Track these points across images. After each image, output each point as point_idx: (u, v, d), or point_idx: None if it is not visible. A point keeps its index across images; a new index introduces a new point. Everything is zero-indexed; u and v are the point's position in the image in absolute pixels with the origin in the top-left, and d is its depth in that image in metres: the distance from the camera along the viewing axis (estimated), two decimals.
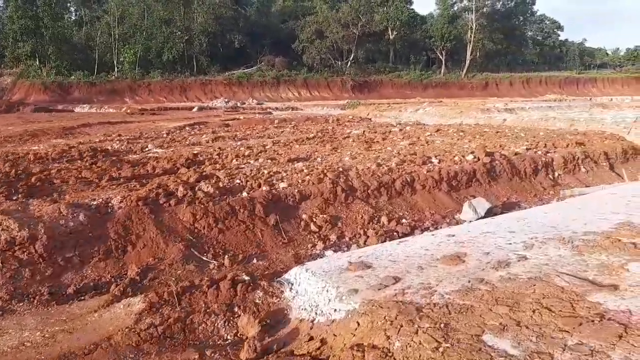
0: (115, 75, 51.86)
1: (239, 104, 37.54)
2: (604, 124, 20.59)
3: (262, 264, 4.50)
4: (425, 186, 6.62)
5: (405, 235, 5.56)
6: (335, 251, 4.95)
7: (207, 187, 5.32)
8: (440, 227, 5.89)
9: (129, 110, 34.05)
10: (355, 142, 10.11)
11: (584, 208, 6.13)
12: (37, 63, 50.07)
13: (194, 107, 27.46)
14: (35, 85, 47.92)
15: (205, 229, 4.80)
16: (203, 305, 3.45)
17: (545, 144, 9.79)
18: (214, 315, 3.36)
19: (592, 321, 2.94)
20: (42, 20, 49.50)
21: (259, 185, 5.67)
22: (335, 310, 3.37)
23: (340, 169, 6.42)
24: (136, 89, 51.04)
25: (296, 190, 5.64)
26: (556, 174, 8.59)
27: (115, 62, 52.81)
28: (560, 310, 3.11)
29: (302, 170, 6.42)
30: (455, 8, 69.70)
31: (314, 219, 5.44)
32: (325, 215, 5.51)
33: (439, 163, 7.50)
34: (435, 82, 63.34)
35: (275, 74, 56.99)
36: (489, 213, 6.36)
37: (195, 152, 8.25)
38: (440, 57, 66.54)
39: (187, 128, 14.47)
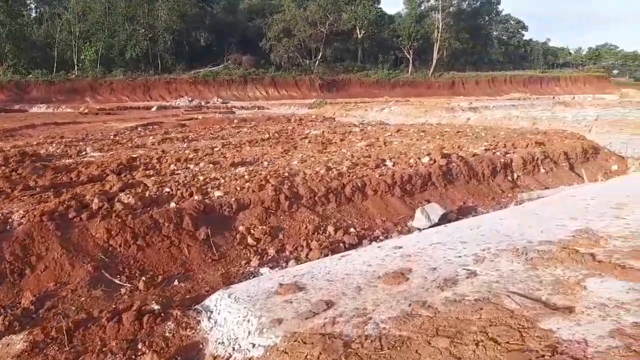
0: (76, 74, 50.11)
1: (203, 103, 36.68)
2: (566, 123, 20.72)
3: (184, 286, 3.98)
4: (377, 191, 6.21)
5: (352, 246, 5.13)
6: (272, 267, 4.48)
7: (129, 197, 4.76)
8: (391, 236, 5.48)
9: (86, 110, 32.80)
10: (312, 143, 9.65)
11: (542, 213, 5.82)
12: None
13: (153, 107, 26.54)
14: None
15: (122, 246, 4.24)
16: (99, 342, 2.93)
17: (505, 144, 9.54)
18: (110, 355, 2.84)
19: (543, 356, 2.54)
20: None
21: (191, 195, 5.14)
22: (253, 345, 2.89)
23: (286, 174, 5.93)
24: (97, 88, 49.48)
25: (233, 199, 5.14)
26: (515, 176, 8.31)
27: (75, 61, 51.02)
28: (508, 342, 2.70)
29: (244, 176, 5.91)
30: (423, 7, 70.12)
31: (252, 231, 4.95)
32: (265, 227, 5.03)
33: (393, 166, 7.11)
34: (402, 81, 63.53)
35: (242, 73, 56.15)
36: (443, 219, 5.99)
37: (134, 155, 7.64)
38: (408, 56, 66.81)
39: (139, 129, 13.76)
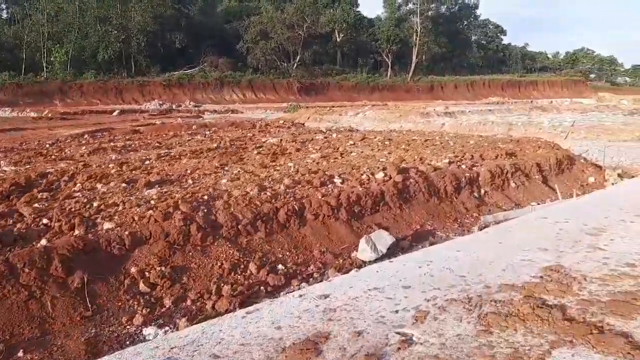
0: (45, 76, 48.42)
1: (174, 107, 35.51)
2: (542, 129, 20.14)
3: (29, 358, 3.02)
4: (319, 215, 5.30)
5: (277, 288, 4.21)
6: (162, 325, 3.54)
7: None
8: (326, 274, 4.57)
9: (50, 115, 31.49)
10: (262, 154, 8.72)
11: (506, 241, 4.97)
12: None
13: (115, 111, 25.34)
14: None
15: None
16: None
17: (473, 155, 8.72)
18: None
19: None
20: None
21: (72, 227, 4.18)
22: None
23: (206, 197, 4.99)
24: (67, 90, 47.88)
25: (127, 233, 4.18)
26: (482, 191, 7.49)
27: (44, 63, 49.34)
28: None
29: (150, 200, 4.96)
30: (401, 11, 69.77)
31: (147, 274, 3.99)
32: (165, 268, 4.07)
33: (342, 183, 6.21)
34: (381, 85, 63.02)
35: (218, 75, 54.98)
36: (394, 248, 5.11)
37: (48, 171, 6.63)
38: (387, 60, 66.29)
39: (85, 136, 12.69)
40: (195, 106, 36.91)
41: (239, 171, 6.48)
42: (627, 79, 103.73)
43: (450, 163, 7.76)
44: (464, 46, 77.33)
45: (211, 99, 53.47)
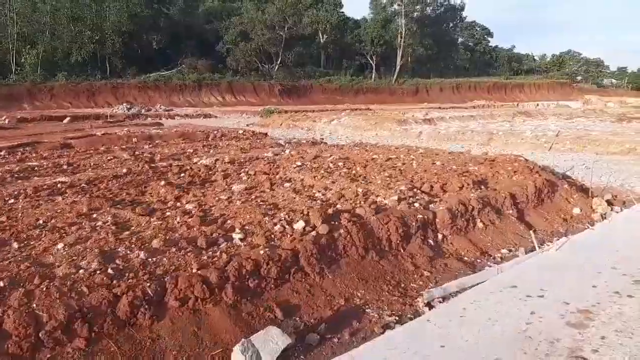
0: (13, 79, 46.39)
1: (143, 111, 33.71)
2: (524, 139, 18.74)
3: None
4: (188, 300, 3.71)
5: None
6: None
7: None
8: None
9: (7, 120, 29.61)
10: (172, 186, 7.08)
11: (448, 340, 3.43)
12: None
13: (66, 118, 23.60)
14: None
15: None
16: None
17: (432, 186, 7.18)
18: None
19: None
20: None
21: None
22: None
23: (1, 283, 3.36)
24: (36, 93, 45.89)
25: None
26: (440, 237, 5.95)
27: (13, 64, 47.28)
28: None
29: None
30: (387, 12, 68.39)
31: None
32: None
33: (242, 240, 4.62)
34: (366, 88, 61.65)
35: (196, 77, 53.23)
36: (295, 349, 3.53)
37: None
38: (371, 62, 64.92)
39: (2, 152, 11.01)
40: (167, 110, 35.17)
41: (103, 223, 4.85)
42: (613, 80, 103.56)
43: (400, 200, 6.17)
44: (450, 48, 76.24)
45: (189, 102, 51.75)
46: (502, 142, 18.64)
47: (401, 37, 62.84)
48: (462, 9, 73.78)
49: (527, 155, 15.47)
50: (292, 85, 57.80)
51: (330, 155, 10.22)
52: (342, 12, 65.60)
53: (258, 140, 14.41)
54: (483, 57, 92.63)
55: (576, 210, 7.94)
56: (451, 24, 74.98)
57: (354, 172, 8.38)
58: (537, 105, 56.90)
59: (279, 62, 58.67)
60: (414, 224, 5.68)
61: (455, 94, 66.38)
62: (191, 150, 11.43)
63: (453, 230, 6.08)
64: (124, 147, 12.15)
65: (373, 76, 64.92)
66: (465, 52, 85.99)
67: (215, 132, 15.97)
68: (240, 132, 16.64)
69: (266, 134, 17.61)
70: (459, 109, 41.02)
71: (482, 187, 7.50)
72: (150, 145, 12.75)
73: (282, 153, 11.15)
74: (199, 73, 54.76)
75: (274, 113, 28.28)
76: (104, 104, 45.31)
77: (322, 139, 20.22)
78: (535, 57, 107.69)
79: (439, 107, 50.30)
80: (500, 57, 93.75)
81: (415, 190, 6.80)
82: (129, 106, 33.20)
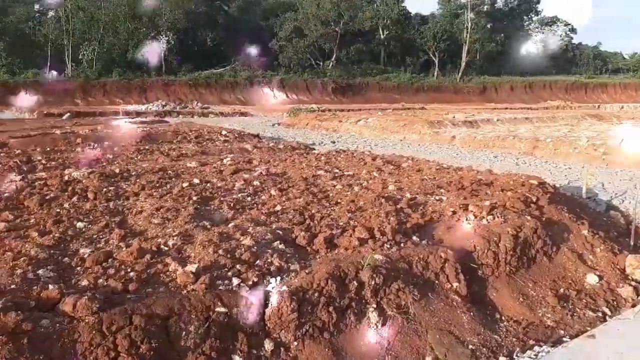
0: (69, 75, 47.32)
1: (178, 108, 32.49)
2: (577, 148, 14.94)
3: None
4: None
5: None
6: None
7: None
8: None
9: (35, 115, 29.48)
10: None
11: None
12: None
13: (65, 115, 22.45)
14: None
15: None
16: None
17: (320, 237, 4.35)
18: None
19: None
20: None
21: None
22: None
23: None
24: (90, 89, 46.50)
25: None
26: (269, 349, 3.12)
27: (69, 60, 48.22)
28: None
29: None
30: (452, 5, 63.83)
31: None
32: None
33: None
34: (427, 86, 57.69)
35: (247, 75, 51.91)
36: None
37: None
38: (434, 58, 60.71)
39: None
40: (203, 107, 33.75)
41: None
42: None
43: (205, 283, 3.45)
44: (524, 44, 69.93)
45: (239, 100, 50.65)
46: (549, 151, 15.01)
47: (467, 32, 58.14)
48: (538, 1, 67.45)
49: (576, 169, 11.98)
50: (347, 83, 55.13)
51: (256, 171, 7.52)
52: (404, 6, 61.76)
53: (226, 144, 11.96)
54: (565, 55, 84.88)
55: (592, 279, 4.80)
56: (525, 18, 68.73)
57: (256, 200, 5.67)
58: (622, 107, 50.45)
59: (333, 59, 56.16)
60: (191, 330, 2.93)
61: (528, 94, 60.72)
62: (111, 156, 9.15)
63: (302, 334, 3.25)
64: (55, 148, 10.12)
65: (435, 74, 60.66)
66: (545, 49, 79.01)
67: (193, 132, 13.70)
68: (224, 132, 14.27)
69: (257, 135, 15.15)
70: (522, 111, 36.42)
71: (417, 235, 4.57)
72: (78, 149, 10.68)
73: (221, 161, 8.60)
74: (250, 70, 53.46)
75: (301, 112, 25.82)
76: (154, 100, 45.04)
77: (334, 142, 17.54)
78: (625, 56, 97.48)
79: (506, 108, 45.88)
80: (584, 55, 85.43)
81: (269, 256, 3.98)
82: (163, 103, 32.09)
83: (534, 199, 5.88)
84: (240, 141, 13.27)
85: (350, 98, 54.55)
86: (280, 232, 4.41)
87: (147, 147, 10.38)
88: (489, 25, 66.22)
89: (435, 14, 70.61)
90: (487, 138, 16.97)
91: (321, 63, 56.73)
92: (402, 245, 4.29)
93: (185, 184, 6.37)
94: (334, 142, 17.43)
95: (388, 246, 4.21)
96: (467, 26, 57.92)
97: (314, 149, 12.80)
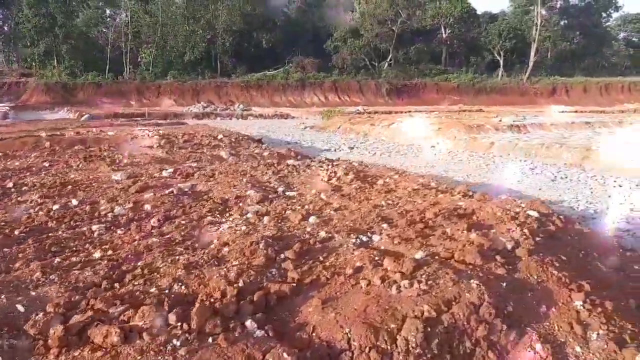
0: (126, 76, 48.53)
1: (219, 110, 31.95)
2: (634, 159, 12.30)
3: None
4: None
5: None
6: None
7: None
8: None
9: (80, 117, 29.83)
10: None
11: None
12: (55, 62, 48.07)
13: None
14: (39, 86, 45.80)
15: None
16: None
17: None
18: None
19: None
20: (56, 18, 47.08)
21: None
22: None
23: None
24: (144, 91, 47.43)
25: None
26: None
27: (126, 62, 49.40)
28: None
29: None
30: (522, 2, 59.69)
31: None
32: None
33: None
34: (490, 87, 54.13)
35: (299, 77, 50.97)
36: None
37: None
38: (498, 58, 56.91)
39: None
40: (244, 109, 32.97)
41: None
42: None
43: None
44: (601, 42, 64.27)
45: (290, 102, 49.90)
46: (601, 162, 12.48)
47: (537, 30, 53.95)
48: None
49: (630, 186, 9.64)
50: (403, 84, 52.82)
51: (170, 187, 6.08)
52: (468, 3, 58.31)
53: (205, 150, 10.63)
54: None
55: None
56: (604, 15, 63.04)
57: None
58: None
59: (389, 59, 54.00)
60: None
61: (604, 96, 55.46)
62: (47, 164, 8.04)
63: None
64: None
65: (500, 74, 56.85)
66: (627, 49, 72.45)
67: (184, 136, 12.53)
68: (220, 137, 13.00)
69: (259, 140, 13.75)
70: (592, 114, 32.71)
71: (277, 309, 2.88)
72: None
73: (160, 172, 7.23)
74: (303, 72, 52.50)
75: (335, 115, 24.21)
76: (206, 102, 45.10)
77: (352, 148, 15.87)
78: None
79: (576, 111, 41.98)
80: None
81: None
82: (205, 105, 31.64)
83: (510, 246, 3.99)
84: (237, 146, 11.94)
85: (405, 100, 52.29)
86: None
87: (105, 154, 9.21)
88: (562, 22, 61.40)
89: (505, 12, 66.69)
90: (529, 145, 14.62)
91: (376, 64, 54.74)
92: (210, 339, 2.65)
93: (56, 206, 5.02)
94: (351, 148, 15.76)
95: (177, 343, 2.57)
96: (536, 23, 53.74)
97: (310, 158, 11.19)
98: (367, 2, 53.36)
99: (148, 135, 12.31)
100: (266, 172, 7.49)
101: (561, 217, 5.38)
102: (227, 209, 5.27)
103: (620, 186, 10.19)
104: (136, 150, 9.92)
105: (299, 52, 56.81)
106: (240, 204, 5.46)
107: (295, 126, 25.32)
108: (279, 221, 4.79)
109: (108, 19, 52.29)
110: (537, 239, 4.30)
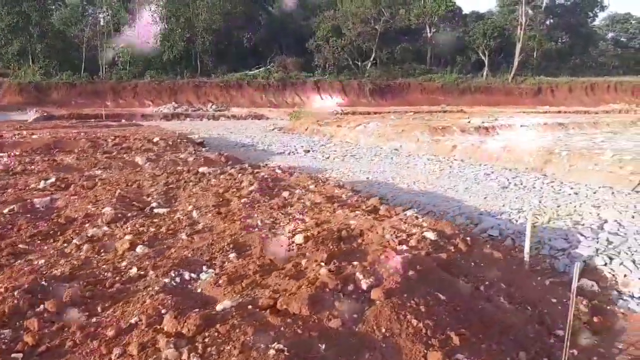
0: (101, 76, 47.33)
1: (191, 110, 30.98)
2: (598, 164, 11.47)
3: None
4: None
5: None
6: None
7: None
8: None
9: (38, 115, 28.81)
10: None
11: None
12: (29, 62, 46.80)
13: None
14: (12, 86, 44.64)
15: None
16: None
17: None
18: None
19: None
20: (30, 16, 45.80)
21: None
22: None
23: None
24: (120, 91, 46.30)
25: None
26: None
27: (102, 61, 48.21)
28: None
29: None
30: (507, 1, 59.07)
31: None
32: None
33: None
34: (474, 87, 53.40)
35: (280, 77, 49.95)
36: None
37: None
38: (483, 57, 56.20)
39: None
40: (218, 110, 32.01)
41: None
42: None
43: None
44: (588, 42, 63.77)
45: (271, 102, 48.96)
46: (564, 167, 11.65)
47: (521, 29, 53.28)
48: None
49: (586, 194, 8.78)
50: (386, 84, 52.00)
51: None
52: (453, 2, 57.49)
53: (125, 156, 9.65)
54: (638, 55, 77.12)
55: None
56: (590, 14, 62.52)
57: None
58: None
59: (372, 58, 53.14)
60: None
61: (589, 96, 54.94)
62: None
63: None
64: None
65: (484, 74, 56.13)
66: (615, 49, 72.07)
67: (114, 139, 11.52)
68: (155, 140, 12.02)
69: (201, 143, 12.81)
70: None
71: None
72: None
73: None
74: (285, 72, 51.52)
75: (302, 116, 23.35)
76: (184, 102, 44.05)
77: (308, 151, 14.98)
78: None
79: (559, 112, 41.44)
80: None
81: None
82: (177, 105, 30.67)
83: (365, 285, 3.08)
84: (170, 150, 10.99)
85: (388, 100, 51.54)
86: None
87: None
88: (548, 22, 60.83)
89: (493, 11, 66.03)
90: (491, 149, 13.76)
91: (359, 63, 53.89)
92: None
93: None
94: (307, 152, 14.86)
95: None
96: (521, 22, 53.07)
97: (242, 163, 10.26)
98: (350, 1, 52.46)
99: (75, 139, 11.33)
100: (157, 183, 6.57)
101: (467, 239, 4.48)
102: (62, 232, 4.37)
103: (577, 194, 9.32)
104: (42, 155, 8.96)
105: (281, 51, 55.90)
106: (87, 224, 4.57)
107: (265, 127, 24.46)
108: (96, 252, 3.89)
109: (90, 18, 50.88)
110: (411, 272, 3.40)
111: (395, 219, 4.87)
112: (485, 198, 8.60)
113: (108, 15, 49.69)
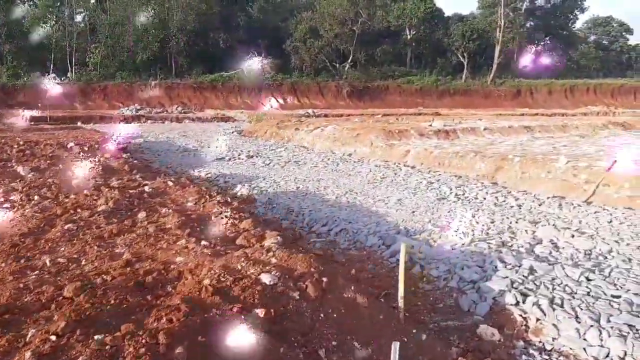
0: (71, 77, 45.83)
1: (153, 112, 29.79)
2: (551, 171, 10.53)
3: None
4: None
5: None
6: None
7: None
8: None
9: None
10: None
11: None
12: None
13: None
14: None
15: None
16: None
17: None
18: None
19: None
20: None
21: None
22: None
23: None
24: (90, 93, 44.84)
25: None
26: None
27: (72, 63, 46.73)
28: None
29: None
30: (487, 3, 58.51)
31: None
32: None
33: None
34: (454, 90, 52.77)
35: (255, 78, 48.75)
36: None
37: None
38: (462, 59, 55.58)
39: None
40: (183, 111, 30.86)
41: None
42: None
43: None
44: (569, 45, 63.47)
45: (246, 104, 47.79)
46: (515, 174, 10.72)
47: (500, 31, 52.72)
48: None
49: (529, 206, 7.85)
50: (364, 86, 51.12)
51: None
52: (432, 3, 56.80)
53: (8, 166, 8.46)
54: (619, 57, 77.19)
55: None
56: (570, 17, 62.21)
57: None
58: None
59: (350, 60, 52.23)
60: None
61: (569, 98, 54.63)
62: None
63: None
64: None
65: (464, 76, 55.47)
66: (597, 51, 71.93)
67: (22, 145, 10.36)
68: (70, 145, 10.87)
69: (123, 149, 11.67)
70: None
71: None
72: None
73: None
74: (262, 73, 50.36)
75: (263, 120, 22.32)
76: (155, 105, 42.79)
77: (252, 156, 13.95)
78: None
79: (536, 114, 40.84)
80: None
81: None
82: (139, 107, 29.47)
83: None
84: (83, 156, 9.85)
85: (366, 102, 50.74)
86: None
87: None
88: (528, 24, 60.42)
89: (474, 14, 65.48)
90: (444, 154, 12.82)
91: (337, 65, 52.95)
92: None
93: None
94: (250, 157, 13.83)
95: None
96: (500, 24, 52.50)
97: (157, 172, 9.16)
98: (327, 2, 51.51)
99: None
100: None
101: (322, 280, 3.47)
102: None
103: (520, 207, 8.36)
104: None
105: (258, 52, 54.74)
106: None
107: (225, 130, 23.36)
108: None
109: (65, 18, 49.31)
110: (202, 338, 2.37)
111: (250, 251, 3.87)
112: (413, 212, 7.62)
113: (82, 14, 48.20)
